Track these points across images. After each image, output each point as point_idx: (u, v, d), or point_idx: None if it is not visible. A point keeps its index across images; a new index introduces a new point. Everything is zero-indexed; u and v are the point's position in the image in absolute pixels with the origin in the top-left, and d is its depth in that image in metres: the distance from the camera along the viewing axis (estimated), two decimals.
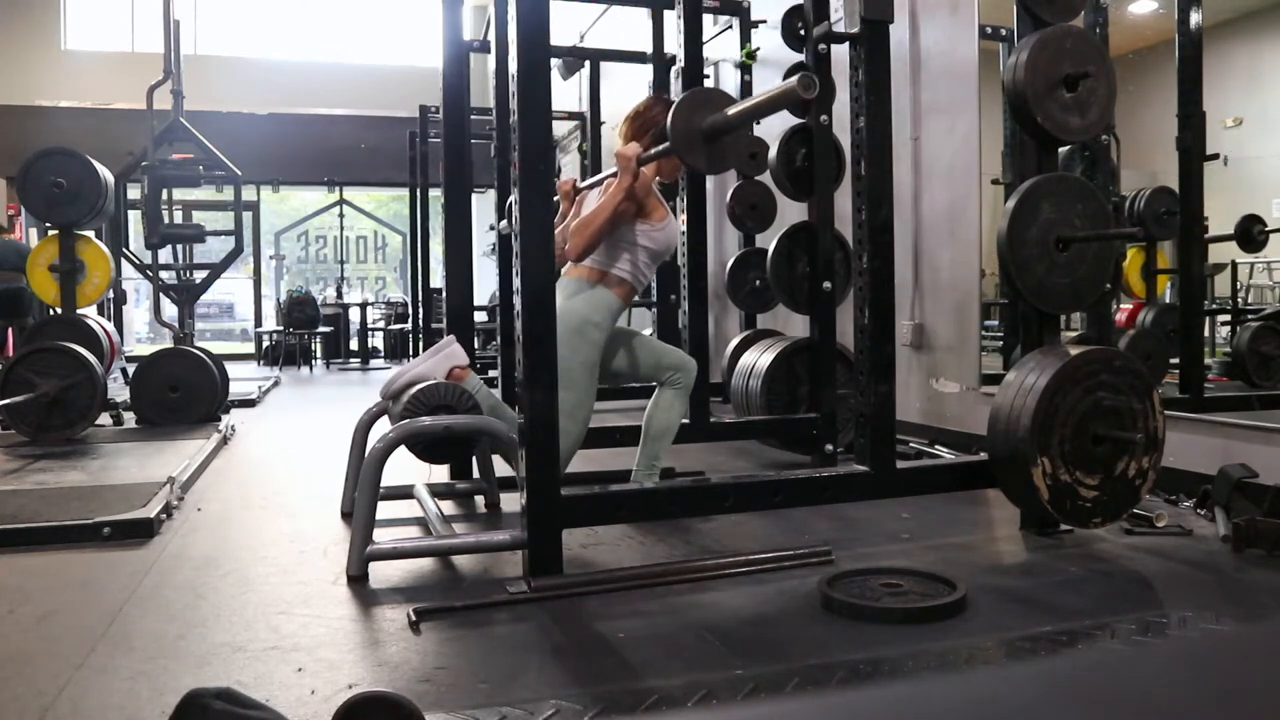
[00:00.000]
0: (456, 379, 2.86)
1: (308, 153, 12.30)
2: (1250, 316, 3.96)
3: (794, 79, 2.08)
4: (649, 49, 5.02)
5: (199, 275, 6.46)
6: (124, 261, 6.47)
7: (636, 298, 3.06)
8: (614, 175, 2.73)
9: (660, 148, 2.54)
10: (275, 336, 11.17)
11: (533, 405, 2.14)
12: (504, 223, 3.43)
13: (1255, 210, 3.75)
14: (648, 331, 4.90)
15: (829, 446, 3.60)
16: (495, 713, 1.50)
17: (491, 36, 3.74)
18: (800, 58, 3.58)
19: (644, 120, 2.83)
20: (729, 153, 2.41)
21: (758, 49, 5.43)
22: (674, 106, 2.38)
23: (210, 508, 3.15)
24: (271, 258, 13.40)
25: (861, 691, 1.61)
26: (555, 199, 3.35)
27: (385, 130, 11.67)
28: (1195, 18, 3.54)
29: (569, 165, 8.65)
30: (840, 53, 3.06)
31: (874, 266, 2.59)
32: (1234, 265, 4.05)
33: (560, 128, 8.50)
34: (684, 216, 3.75)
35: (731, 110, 2.32)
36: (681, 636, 1.87)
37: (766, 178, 4.38)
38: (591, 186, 3.00)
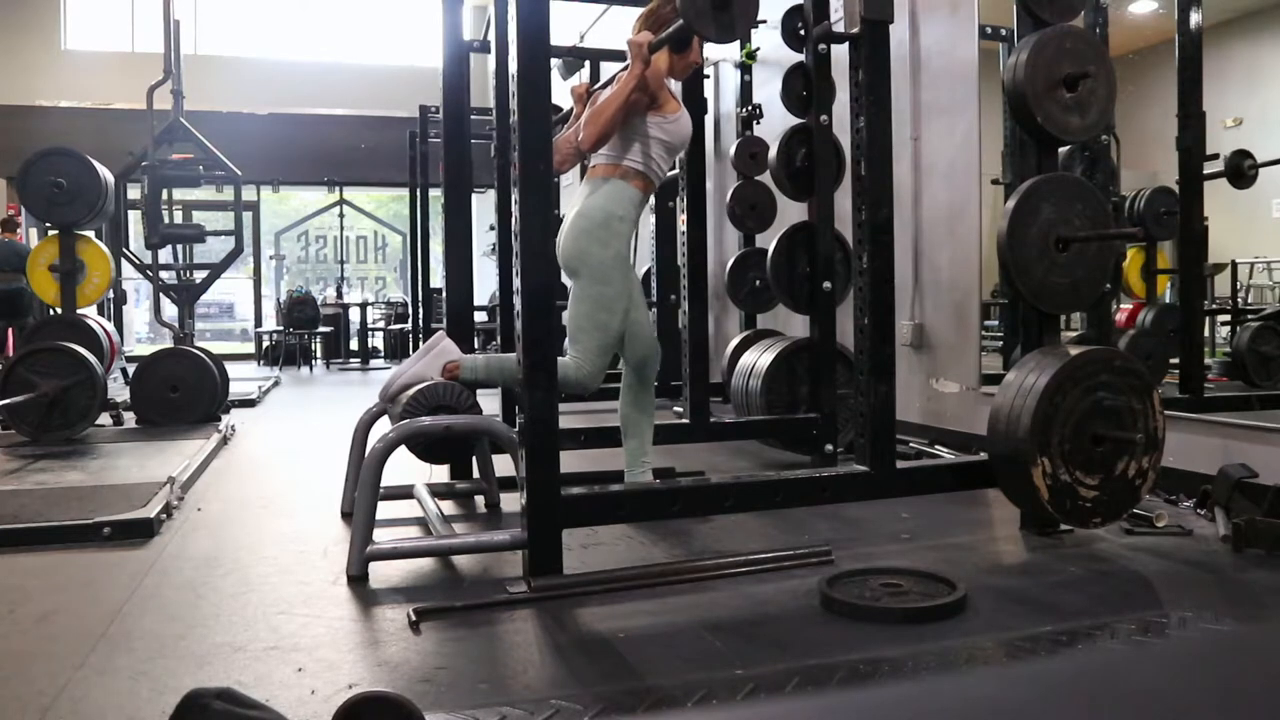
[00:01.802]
0: (450, 373, 2.86)
1: (308, 153, 12.29)
2: (1250, 316, 3.96)
3: None
4: None
5: (199, 275, 6.46)
6: (124, 261, 6.47)
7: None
8: (626, 69, 2.73)
9: (673, 28, 2.56)
10: (275, 336, 11.17)
11: (533, 405, 2.14)
12: None
13: (1255, 210, 3.75)
14: None
15: (829, 446, 3.60)
16: (495, 713, 1.50)
17: (491, 36, 3.74)
18: (800, 58, 3.58)
19: (657, 17, 2.81)
20: (738, 19, 2.39)
21: (758, 49, 5.43)
22: None
23: (210, 508, 3.15)
24: (271, 258, 13.40)
25: (861, 691, 1.61)
26: (558, 117, 3.35)
27: (385, 130, 11.66)
28: (1195, 18, 3.54)
29: None
30: (840, 53, 3.06)
31: (874, 266, 2.58)
32: (1234, 265, 4.05)
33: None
34: (684, 216, 3.75)
35: None
36: (681, 636, 1.87)
37: (766, 178, 4.38)
38: (604, 87, 3.01)
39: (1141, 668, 1.70)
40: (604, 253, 2.75)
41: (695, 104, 3.63)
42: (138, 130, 6.05)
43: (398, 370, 2.94)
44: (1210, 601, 2.05)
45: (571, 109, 3.12)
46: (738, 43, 5.47)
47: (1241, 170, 3.59)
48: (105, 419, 5.07)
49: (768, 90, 5.18)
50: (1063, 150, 2.84)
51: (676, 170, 3.69)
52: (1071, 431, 2.35)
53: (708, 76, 5.86)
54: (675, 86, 3.01)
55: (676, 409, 4.20)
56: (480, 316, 7.99)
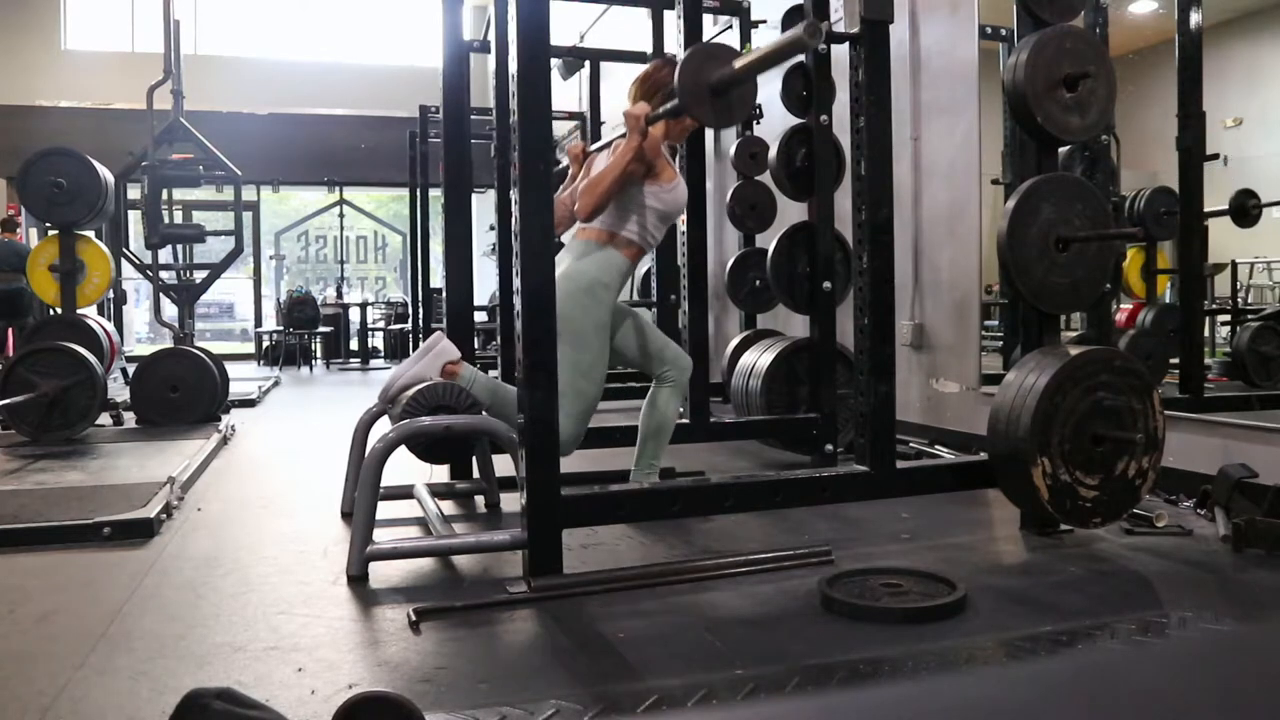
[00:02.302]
0: (449, 375, 2.86)
1: (308, 153, 12.29)
2: (1250, 316, 3.96)
3: (800, 26, 2.01)
4: (649, 49, 5.02)
5: (199, 275, 6.46)
6: (124, 261, 6.47)
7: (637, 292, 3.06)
8: (623, 137, 2.73)
9: (669, 105, 2.55)
10: (275, 336, 11.17)
11: (533, 405, 2.14)
12: None
13: None
14: None
15: (829, 446, 3.60)
16: (495, 713, 1.50)
17: (491, 36, 3.74)
18: (800, 58, 3.58)
19: (653, 82, 2.82)
20: (736, 107, 2.39)
21: (758, 49, 5.42)
22: (681, 61, 2.37)
23: (210, 508, 3.15)
24: (271, 258, 13.40)
25: (861, 691, 1.61)
26: (560, 165, 3.36)
27: (385, 130, 11.66)
28: (1195, 18, 3.54)
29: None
30: (840, 53, 3.06)
31: (874, 266, 2.58)
32: (1234, 265, 4.05)
33: (560, 128, 8.50)
34: (684, 216, 3.75)
35: (738, 63, 2.30)
36: (681, 636, 1.87)
37: (766, 178, 4.38)
38: (600, 149, 3.01)
39: (1141, 668, 1.70)
40: (584, 319, 2.74)
41: None
42: (138, 130, 6.05)
43: (397, 371, 2.94)
44: (1210, 601, 2.05)
45: (567, 167, 3.11)
46: (738, 42, 5.47)
47: (1246, 209, 3.60)
48: (105, 419, 5.07)
49: (768, 90, 5.15)
50: (1063, 150, 2.84)
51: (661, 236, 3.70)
52: (1071, 431, 2.35)
53: None
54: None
55: None
56: (480, 316, 7.99)
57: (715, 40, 2.65)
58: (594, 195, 2.71)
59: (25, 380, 4.50)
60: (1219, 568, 2.31)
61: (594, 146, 3.06)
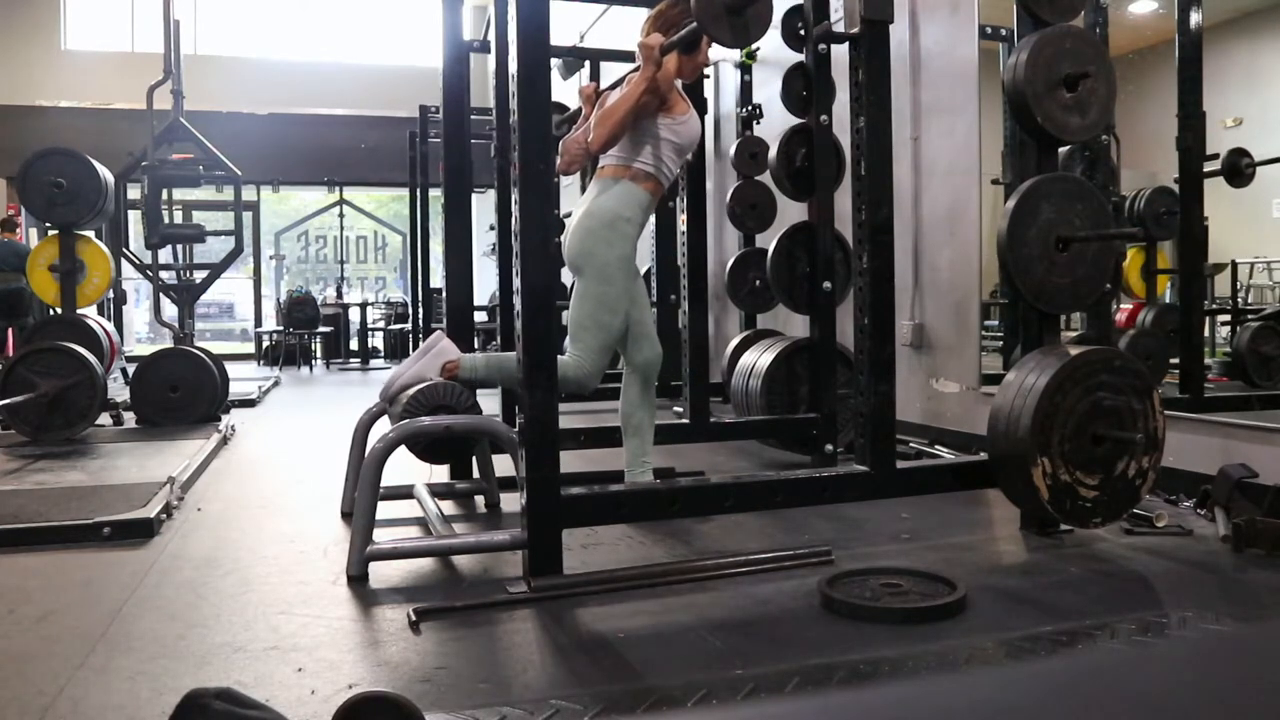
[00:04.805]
0: (450, 373, 2.87)
1: (308, 153, 12.29)
2: (1250, 316, 3.96)
3: None
4: None
5: (199, 275, 6.46)
6: (124, 261, 6.47)
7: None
8: (637, 70, 2.73)
9: (684, 32, 2.56)
10: (275, 336, 11.17)
11: (533, 405, 2.14)
12: None
13: (1255, 211, 3.75)
14: None
15: (829, 446, 3.60)
16: (495, 713, 1.50)
17: (491, 36, 3.74)
18: (800, 58, 3.58)
19: (665, 19, 2.81)
20: (752, 24, 2.38)
21: (758, 49, 5.43)
22: None
23: (210, 508, 3.15)
24: (271, 258, 13.40)
25: (861, 691, 1.61)
26: (566, 117, 3.33)
27: (385, 130, 11.66)
28: (1195, 18, 3.54)
29: None
30: (840, 53, 3.06)
31: (874, 266, 2.58)
32: (1234, 265, 4.05)
33: None
34: (684, 217, 3.75)
35: None
36: (681, 636, 1.87)
37: (766, 178, 4.38)
38: (613, 88, 3.00)
39: (1141, 668, 1.70)
40: (609, 253, 2.76)
41: (696, 104, 3.61)
42: (138, 130, 6.05)
43: (397, 371, 2.94)
44: (1210, 601, 2.05)
45: (579, 109, 3.12)
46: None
47: (1239, 168, 3.58)
48: (105, 419, 5.07)
49: (768, 90, 5.18)
50: (1063, 150, 2.84)
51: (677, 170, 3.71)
52: (1072, 431, 2.35)
53: (707, 76, 5.86)
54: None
55: (676, 409, 4.20)
56: (480, 316, 7.99)
57: None
58: (607, 125, 2.71)
59: (25, 380, 4.50)
60: (1219, 568, 2.31)
61: (606, 86, 3.06)
